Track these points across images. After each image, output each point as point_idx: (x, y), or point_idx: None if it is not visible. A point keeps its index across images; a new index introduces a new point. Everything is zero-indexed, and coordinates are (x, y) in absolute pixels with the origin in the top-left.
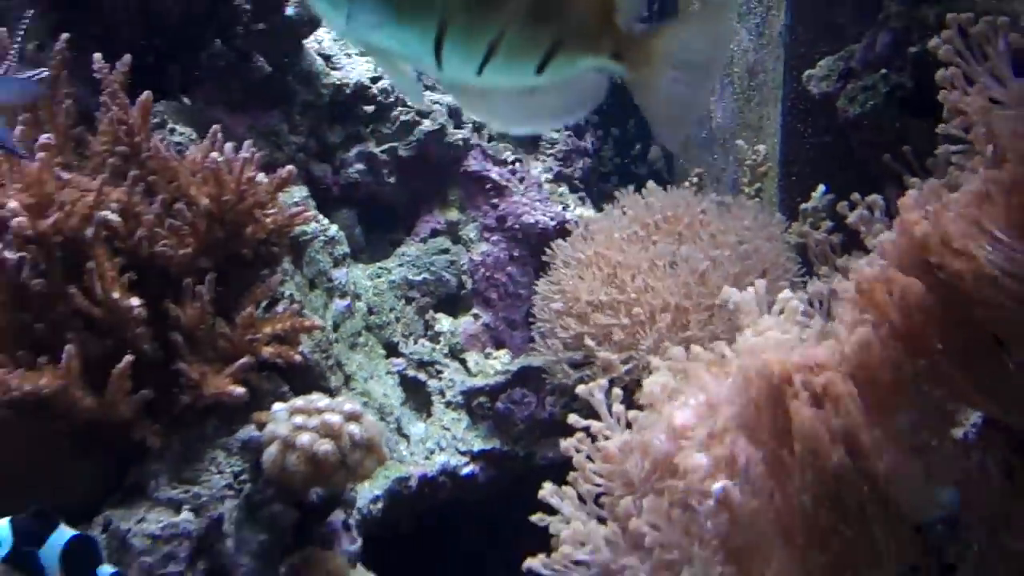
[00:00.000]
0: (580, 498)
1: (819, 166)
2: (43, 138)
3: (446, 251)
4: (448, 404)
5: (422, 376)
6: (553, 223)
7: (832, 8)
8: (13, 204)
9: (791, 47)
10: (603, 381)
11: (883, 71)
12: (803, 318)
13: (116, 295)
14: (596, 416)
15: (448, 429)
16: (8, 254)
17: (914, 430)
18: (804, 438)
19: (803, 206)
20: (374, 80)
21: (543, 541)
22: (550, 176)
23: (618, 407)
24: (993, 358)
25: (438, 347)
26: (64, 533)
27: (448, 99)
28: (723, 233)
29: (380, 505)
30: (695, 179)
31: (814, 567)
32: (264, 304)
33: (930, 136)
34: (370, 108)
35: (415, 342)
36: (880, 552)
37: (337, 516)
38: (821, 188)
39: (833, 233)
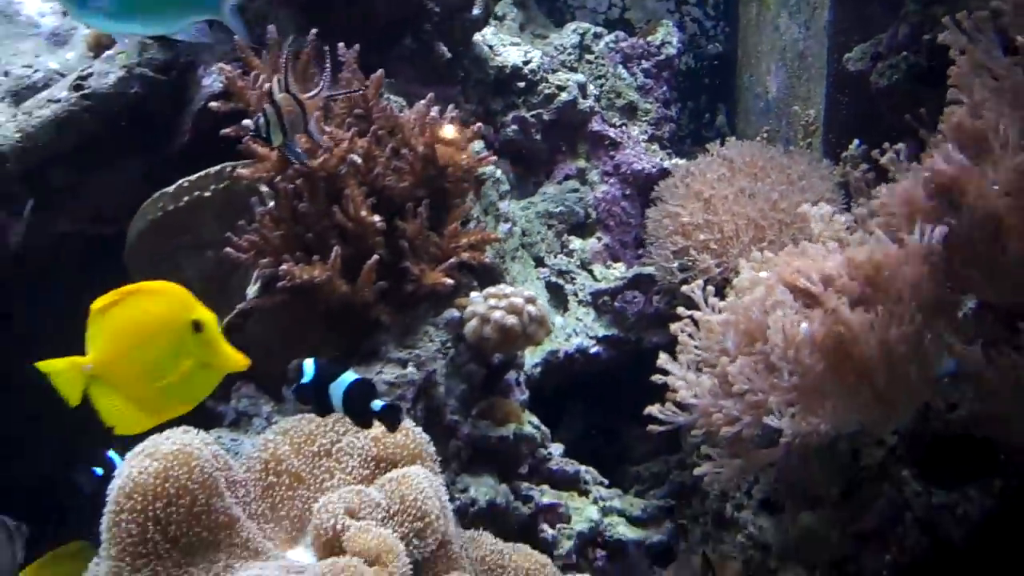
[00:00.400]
0: (686, 365)
1: (855, 125)
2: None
3: (576, 190)
4: (580, 302)
5: (561, 281)
6: (655, 170)
7: (865, 6)
8: (298, 149)
9: (833, 36)
10: (700, 282)
11: (904, 53)
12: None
13: (363, 214)
14: (694, 308)
15: (580, 320)
16: (285, 184)
17: (931, 310)
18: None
19: (844, 155)
20: (525, 63)
21: (649, 400)
22: (645, 137)
23: (713, 299)
24: (987, 253)
25: (572, 260)
26: (350, 375)
27: (578, 77)
28: (787, 173)
29: (539, 370)
30: (764, 135)
31: (861, 401)
32: (460, 222)
33: (938, 102)
34: (522, 84)
35: (555, 257)
36: (906, 392)
37: (511, 375)
38: (856, 141)
39: (867, 173)
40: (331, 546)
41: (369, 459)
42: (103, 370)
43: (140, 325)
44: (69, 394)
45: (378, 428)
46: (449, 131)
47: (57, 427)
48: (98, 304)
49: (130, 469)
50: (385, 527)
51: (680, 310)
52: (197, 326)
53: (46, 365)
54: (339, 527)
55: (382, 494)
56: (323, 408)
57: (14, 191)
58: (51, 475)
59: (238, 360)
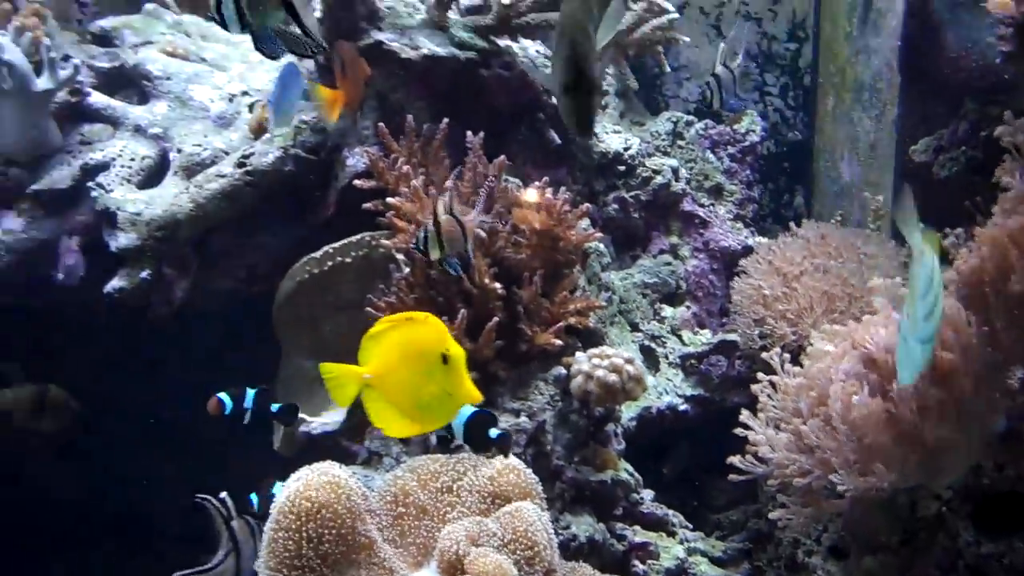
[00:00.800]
0: (766, 422)
1: (920, 210)
2: (448, 183)
3: (669, 264)
4: (670, 364)
5: (653, 345)
6: (740, 246)
7: (930, 104)
8: (428, 223)
9: (901, 130)
10: (777, 349)
11: (963, 148)
12: None
13: (487, 281)
14: (772, 372)
15: (670, 380)
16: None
17: (983, 377)
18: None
19: None
20: (625, 149)
21: (731, 454)
22: (731, 216)
23: (788, 365)
24: None
25: (663, 326)
26: (468, 408)
27: (672, 162)
28: (857, 252)
29: (634, 423)
30: (838, 218)
31: (914, 459)
32: (569, 290)
33: (993, 191)
34: (622, 167)
35: (649, 323)
36: (959, 451)
37: (610, 427)
38: (921, 225)
39: None
40: (454, 568)
41: (486, 495)
42: (376, 381)
43: (403, 348)
44: (342, 396)
45: (493, 468)
46: (531, 195)
47: (198, 463)
48: (375, 328)
49: (288, 493)
50: (500, 554)
51: (759, 374)
52: (445, 358)
53: (328, 368)
54: (461, 552)
55: (498, 525)
56: (445, 439)
57: (184, 253)
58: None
59: (473, 394)
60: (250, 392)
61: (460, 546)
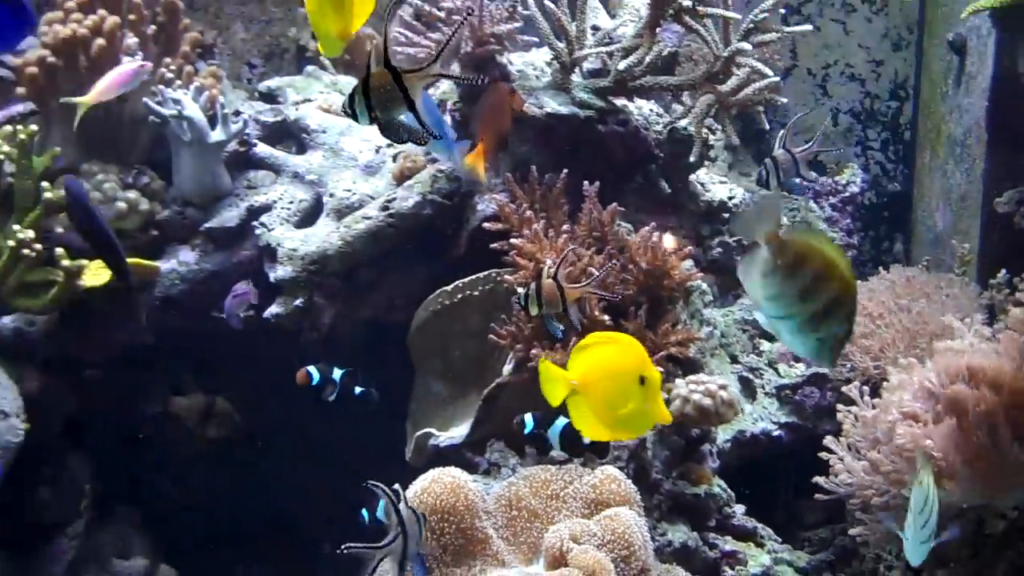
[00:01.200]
0: (848, 447)
1: (1004, 257)
2: (564, 227)
3: None
4: (766, 394)
5: (751, 376)
6: None
7: (1015, 159)
8: (549, 262)
9: (987, 183)
10: (856, 382)
11: None
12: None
13: (596, 313)
14: (853, 403)
15: (766, 408)
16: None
17: None
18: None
19: (991, 281)
20: (730, 198)
21: (818, 474)
22: None
23: (867, 398)
24: None
25: (761, 359)
26: (561, 420)
27: None
28: (940, 294)
29: (728, 445)
30: (925, 263)
31: (975, 477)
32: (671, 323)
33: None
34: (727, 215)
35: (747, 356)
36: (1012, 475)
37: (706, 446)
38: (1003, 271)
39: (1009, 296)
40: (557, 562)
41: (589, 501)
42: (580, 388)
43: (606, 365)
44: (553, 395)
45: (596, 477)
46: (669, 241)
47: (341, 475)
48: (584, 341)
49: (416, 490)
50: (599, 551)
51: (840, 407)
52: (643, 380)
53: (545, 367)
54: (564, 548)
55: (598, 527)
56: (543, 448)
57: (334, 284)
58: (332, 517)
59: (665, 415)
60: (338, 371)
61: (564, 543)
